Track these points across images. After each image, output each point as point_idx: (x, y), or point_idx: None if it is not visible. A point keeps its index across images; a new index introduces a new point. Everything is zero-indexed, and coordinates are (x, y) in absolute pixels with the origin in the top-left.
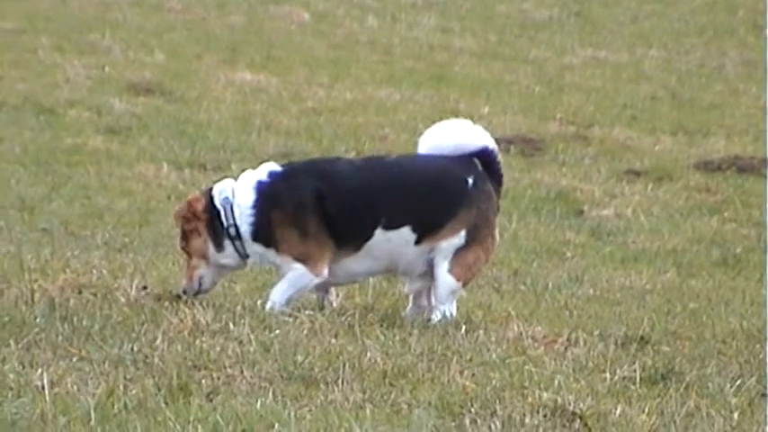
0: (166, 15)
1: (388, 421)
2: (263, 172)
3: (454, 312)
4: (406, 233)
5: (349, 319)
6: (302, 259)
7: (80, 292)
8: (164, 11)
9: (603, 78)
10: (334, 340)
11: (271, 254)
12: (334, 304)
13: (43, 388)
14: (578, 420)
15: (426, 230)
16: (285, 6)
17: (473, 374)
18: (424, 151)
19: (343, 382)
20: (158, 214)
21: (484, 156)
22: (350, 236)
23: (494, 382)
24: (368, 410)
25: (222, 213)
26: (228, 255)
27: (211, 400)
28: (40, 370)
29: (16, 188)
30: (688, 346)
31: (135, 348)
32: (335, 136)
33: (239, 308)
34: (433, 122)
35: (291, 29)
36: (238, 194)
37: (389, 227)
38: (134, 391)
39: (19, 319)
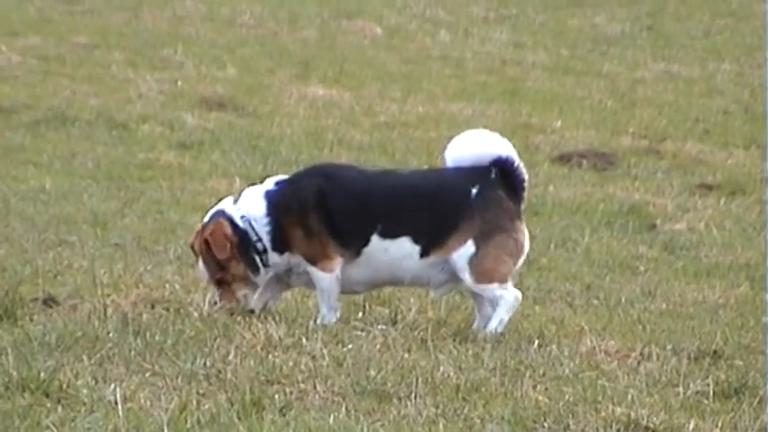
0: (239, 30)
1: None
2: (269, 183)
3: (516, 294)
4: (405, 244)
5: (422, 333)
6: (312, 260)
7: (153, 307)
8: (236, 26)
9: (676, 92)
10: (407, 355)
11: (286, 258)
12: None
13: (116, 403)
14: None
15: (430, 243)
16: (357, 21)
17: (546, 389)
18: (449, 164)
19: (416, 397)
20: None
21: (500, 164)
22: (348, 237)
23: (567, 396)
24: (441, 425)
25: (250, 232)
26: (262, 274)
27: (284, 415)
28: (112, 385)
29: (89, 203)
30: (761, 360)
31: (208, 363)
32: (408, 150)
33: (312, 322)
34: (505, 137)
35: (364, 43)
36: (252, 209)
37: (387, 236)
38: (207, 406)
39: (92, 334)
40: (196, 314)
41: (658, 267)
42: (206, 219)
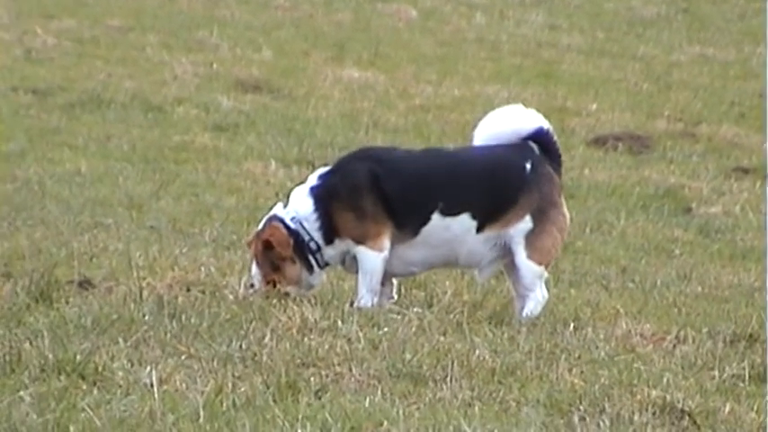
0: (274, 12)
1: (496, 419)
2: (313, 178)
3: (546, 295)
4: (465, 220)
5: (457, 316)
6: (361, 240)
7: (188, 290)
8: (271, 8)
9: (711, 75)
10: (442, 338)
11: (338, 247)
12: (394, 294)
13: (152, 385)
14: (687, 418)
15: (487, 218)
16: (393, 3)
17: (581, 372)
18: (481, 142)
19: (451, 380)
20: (266, 211)
21: (540, 138)
22: (407, 218)
23: (602, 379)
24: (476, 408)
25: (301, 232)
26: (317, 273)
27: (320, 398)
28: (148, 368)
29: (124, 186)
30: None
31: (243, 346)
32: (443, 133)
33: (347, 305)
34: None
35: (399, 26)
36: (300, 208)
37: (448, 213)
38: (242, 389)
39: (127, 316)
40: (231, 297)
41: (694, 251)
42: (260, 225)
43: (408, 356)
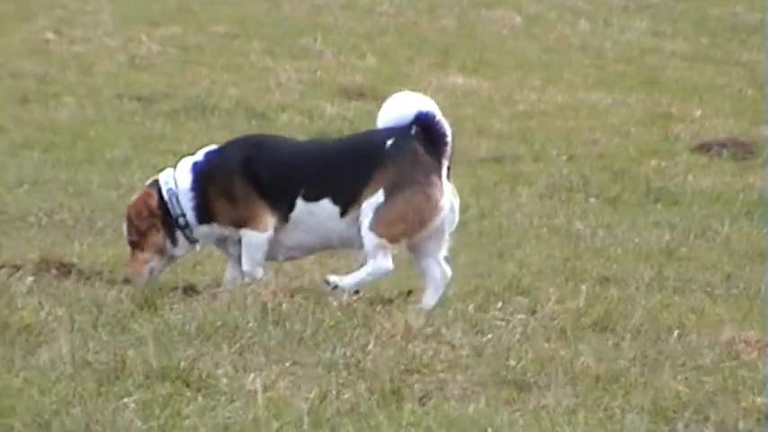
0: (378, 19)
1: (600, 426)
2: (200, 154)
3: (390, 268)
4: (327, 206)
5: (561, 323)
6: (243, 224)
7: (292, 297)
8: (375, 15)
9: None
10: (546, 345)
11: (215, 229)
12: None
13: (256, 392)
14: None
15: (348, 202)
16: (497, 10)
17: (686, 379)
18: (381, 126)
19: (555, 387)
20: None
21: (421, 120)
22: (276, 204)
23: (707, 386)
24: (580, 415)
25: (170, 205)
26: (182, 246)
27: (424, 405)
28: (252, 374)
29: None
30: None
31: (347, 353)
32: (547, 139)
33: (451, 312)
34: (645, 127)
35: (503, 32)
36: (179, 181)
37: (310, 199)
38: (347, 396)
39: (232, 323)
40: (335, 303)
41: None
42: (146, 183)
43: (512, 363)
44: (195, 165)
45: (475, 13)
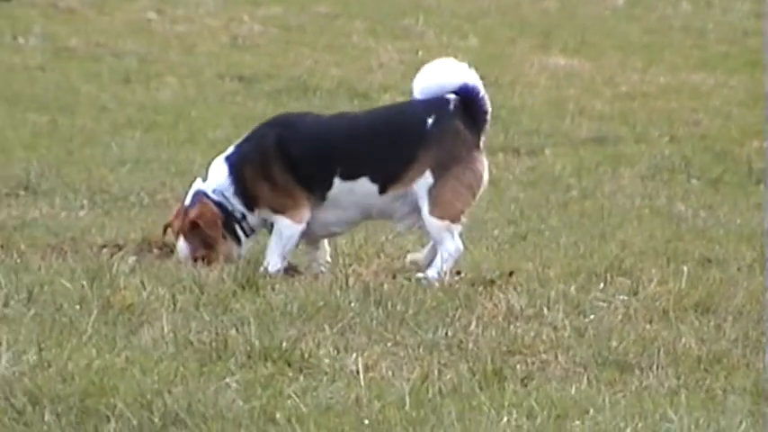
0: (480, 1)
1: (702, 407)
2: (230, 148)
3: (460, 248)
4: (366, 184)
5: (663, 304)
6: (281, 210)
7: (394, 277)
8: None
9: None
10: (648, 326)
11: (257, 214)
12: (328, 258)
13: (358, 372)
14: None
15: (388, 179)
16: None
17: None
18: (417, 95)
19: (657, 368)
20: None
21: (464, 93)
22: (313, 183)
23: None
24: (683, 396)
25: (224, 203)
26: (245, 243)
27: (526, 386)
28: (354, 354)
29: None
30: None
31: (449, 333)
32: (649, 121)
33: (553, 293)
34: (747, 108)
35: (605, 13)
36: (218, 178)
37: (347, 177)
38: (448, 376)
39: (334, 303)
40: (437, 284)
41: None
42: (187, 202)
43: (614, 344)
44: (228, 158)
45: None
